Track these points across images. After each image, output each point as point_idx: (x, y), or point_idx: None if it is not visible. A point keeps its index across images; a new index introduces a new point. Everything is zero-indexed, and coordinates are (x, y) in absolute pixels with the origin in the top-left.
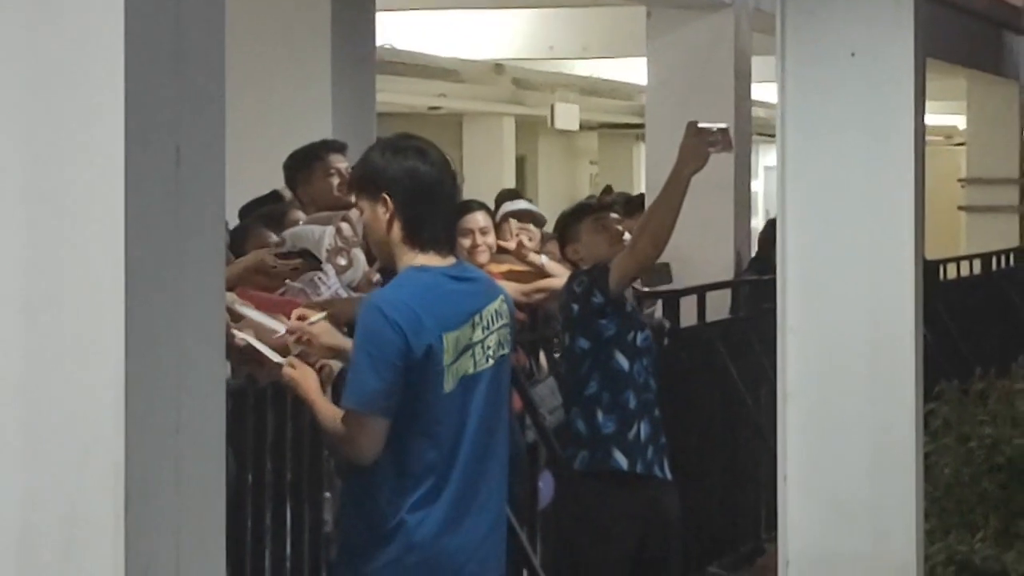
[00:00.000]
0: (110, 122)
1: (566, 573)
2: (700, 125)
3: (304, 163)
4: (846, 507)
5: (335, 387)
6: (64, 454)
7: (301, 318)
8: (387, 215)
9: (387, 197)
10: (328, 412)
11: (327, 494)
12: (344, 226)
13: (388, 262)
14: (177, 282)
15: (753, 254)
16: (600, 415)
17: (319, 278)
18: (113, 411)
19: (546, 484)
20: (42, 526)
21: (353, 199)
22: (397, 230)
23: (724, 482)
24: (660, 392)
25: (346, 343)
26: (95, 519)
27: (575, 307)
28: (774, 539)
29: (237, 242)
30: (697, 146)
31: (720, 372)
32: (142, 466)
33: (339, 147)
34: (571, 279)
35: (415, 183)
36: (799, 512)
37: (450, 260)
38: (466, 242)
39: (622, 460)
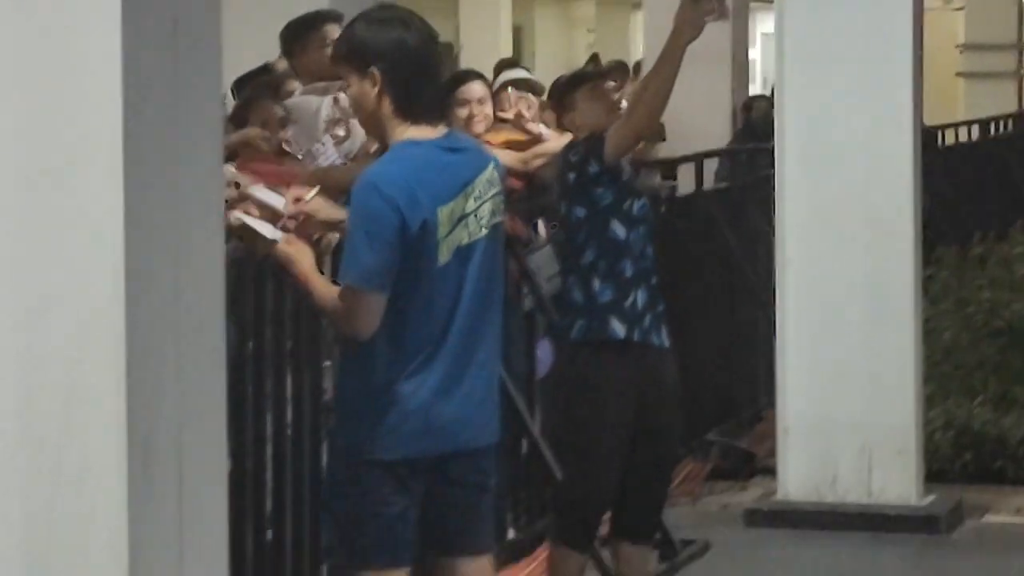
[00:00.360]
0: None
1: (565, 441)
2: None
3: (300, 33)
4: (844, 373)
5: (334, 258)
6: (64, 325)
7: (297, 199)
8: (376, 89)
9: (375, 71)
10: (323, 289)
11: (327, 363)
12: (342, 96)
13: (378, 136)
14: (175, 154)
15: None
16: (597, 283)
17: (316, 149)
18: (112, 281)
19: (544, 352)
20: (43, 397)
21: (340, 72)
22: (387, 104)
23: (722, 349)
24: (658, 260)
25: (343, 214)
26: (95, 390)
27: (571, 176)
28: (773, 406)
29: (242, 115)
30: (693, 15)
31: (718, 239)
32: (142, 336)
33: (335, 17)
34: (567, 148)
35: (403, 55)
36: (797, 378)
37: (441, 131)
38: (463, 112)
39: (619, 328)
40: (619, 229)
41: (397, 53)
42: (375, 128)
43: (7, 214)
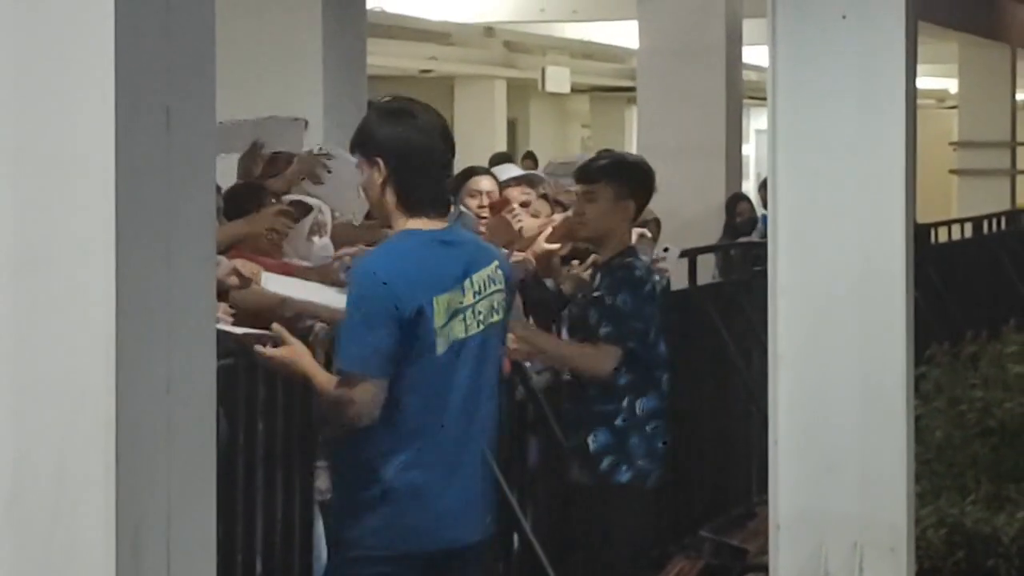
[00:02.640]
0: (100, 83)
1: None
2: None
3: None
4: (837, 470)
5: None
6: (54, 412)
7: None
8: (381, 179)
9: (380, 162)
10: (326, 381)
11: (322, 463)
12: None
13: (384, 222)
14: (168, 244)
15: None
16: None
17: (310, 247)
18: (104, 369)
19: (534, 445)
20: (32, 484)
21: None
22: (390, 194)
23: (715, 445)
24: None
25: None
26: (85, 477)
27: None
28: (765, 502)
29: (251, 203)
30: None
31: (711, 335)
32: (132, 424)
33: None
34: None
35: (407, 149)
36: (790, 475)
37: (442, 224)
38: (473, 203)
39: None
40: None
41: (401, 147)
42: (381, 215)
43: None
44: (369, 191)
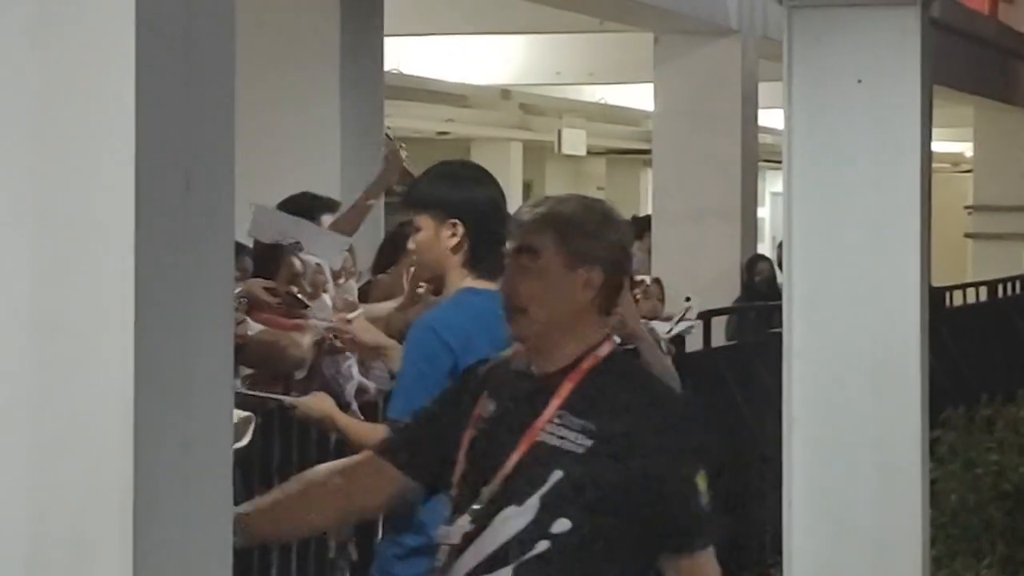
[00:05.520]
0: (120, 148)
1: None
2: None
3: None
4: (851, 533)
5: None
6: (71, 474)
7: (343, 320)
8: (454, 240)
9: (457, 223)
10: (354, 427)
11: None
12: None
13: (434, 278)
14: (186, 307)
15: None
16: None
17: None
18: (121, 430)
19: None
20: (49, 547)
21: (410, 215)
22: (461, 255)
23: (729, 507)
24: None
25: (386, 340)
26: (103, 540)
27: None
28: (778, 564)
29: (271, 264)
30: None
31: (726, 397)
32: (150, 486)
33: (332, 207)
34: None
35: (488, 213)
36: (804, 538)
37: (499, 284)
38: None
39: None
40: None
41: (485, 210)
42: (434, 271)
43: (14, 360)
44: (429, 250)
